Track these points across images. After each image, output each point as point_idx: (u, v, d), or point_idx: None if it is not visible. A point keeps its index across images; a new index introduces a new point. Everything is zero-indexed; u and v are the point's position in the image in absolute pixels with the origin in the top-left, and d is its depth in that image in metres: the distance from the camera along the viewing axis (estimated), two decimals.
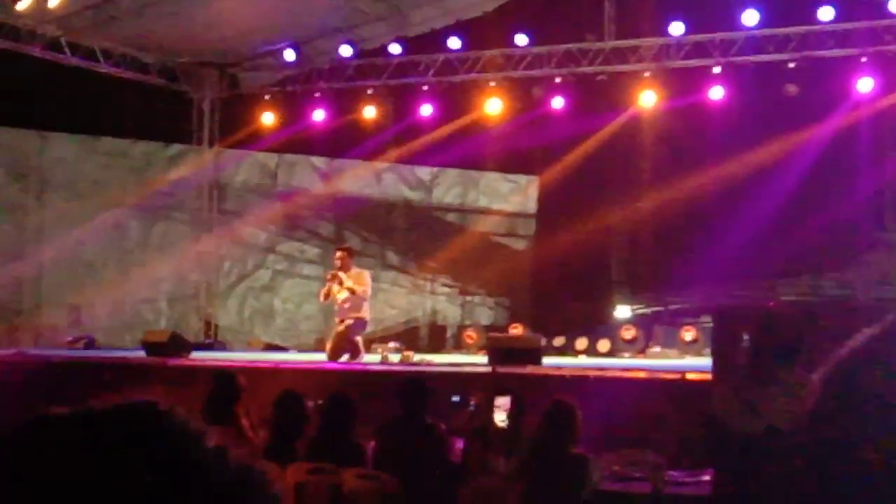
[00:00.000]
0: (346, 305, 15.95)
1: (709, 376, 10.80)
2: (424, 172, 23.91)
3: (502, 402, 9.06)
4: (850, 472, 1.19)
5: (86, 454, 0.95)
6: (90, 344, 19.70)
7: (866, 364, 1.25)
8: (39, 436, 0.98)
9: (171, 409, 1.01)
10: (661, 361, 17.18)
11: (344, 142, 21.94)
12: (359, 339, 16.14)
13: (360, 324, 16.07)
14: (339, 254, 16.39)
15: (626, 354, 19.13)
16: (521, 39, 19.90)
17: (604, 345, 19.70)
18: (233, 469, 0.99)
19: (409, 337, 21.44)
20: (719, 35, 19.03)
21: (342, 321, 15.94)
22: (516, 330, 19.31)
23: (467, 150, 21.86)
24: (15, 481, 0.94)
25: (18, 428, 0.99)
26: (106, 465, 0.94)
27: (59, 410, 1.01)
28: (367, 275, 16.29)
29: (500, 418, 9.08)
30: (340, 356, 15.74)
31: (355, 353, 15.87)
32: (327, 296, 16.30)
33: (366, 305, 16.11)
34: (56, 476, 0.94)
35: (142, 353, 16.33)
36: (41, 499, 0.93)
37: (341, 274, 15.95)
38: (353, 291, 15.81)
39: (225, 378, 9.80)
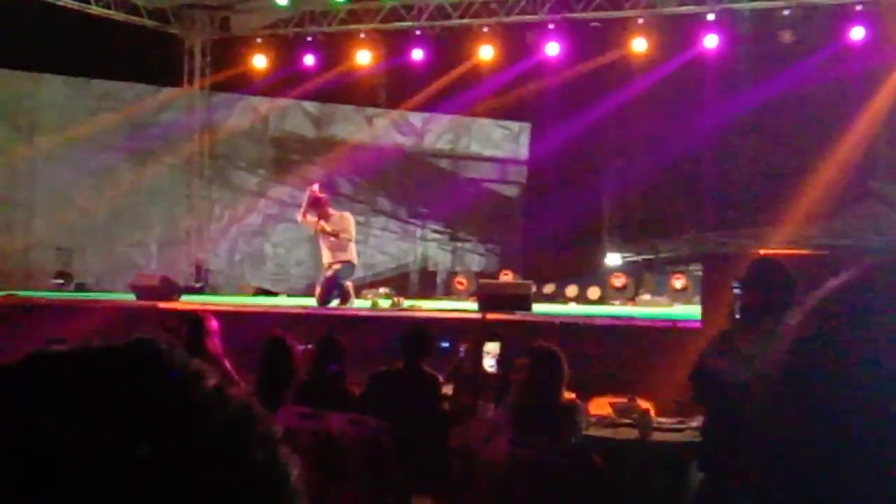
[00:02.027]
0: (333, 250, 15.90)
1: (698, 324, 10.86)
2: (416, 118, 23.86)
3: (492, 349, 9.08)
4: (817, 422, 1.18)
5: (85, 392, 0.95)
6: (81, 287, 19.70)
7: (838, 312, 1.24)
8: (37, 372, 0.98)
9: (172, 347, 1.01)
10: (651, 309, 17.21)
11: (336, 86, 21.85)
12: (348, 283, 16.11)
13: (349, 267, 16.01)
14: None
15: (617, 302, 19.18)
16: None
17: (594, 292, 19.73)
18: (232, 408, 1.00)
19: (399, 283, 21.47)
20: None
21: (330, 266, 15.90)
22: (507, 277, 19.34)
23: (459, 96, 21.79)
24: (12, 418, 0.94)
25: (16, 363, 0.99)
26: (105, 403, 0.94)
27: (58, 347, 1.00)
28: (348, 217, 16.16)
29: (490, 364, 9.09)
30: (329, 301, 15.72)
31: (345, 297, 15.85)
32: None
33: (352, 248, 16.03)
34: (54, 413, 0.93)
35: (132, 297, 16.33)
36: (38, 435, 0.93)
37: (322, 222, 15.86)
38: (335, 235, 15.75)
39: (193, 320, 9.80)
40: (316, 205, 15.95)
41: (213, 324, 9.57)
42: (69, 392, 0.95)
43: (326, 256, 15.95)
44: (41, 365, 0.99)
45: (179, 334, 9.42)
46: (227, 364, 9.35)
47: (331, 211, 16.00)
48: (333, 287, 15.78)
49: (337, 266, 15.80)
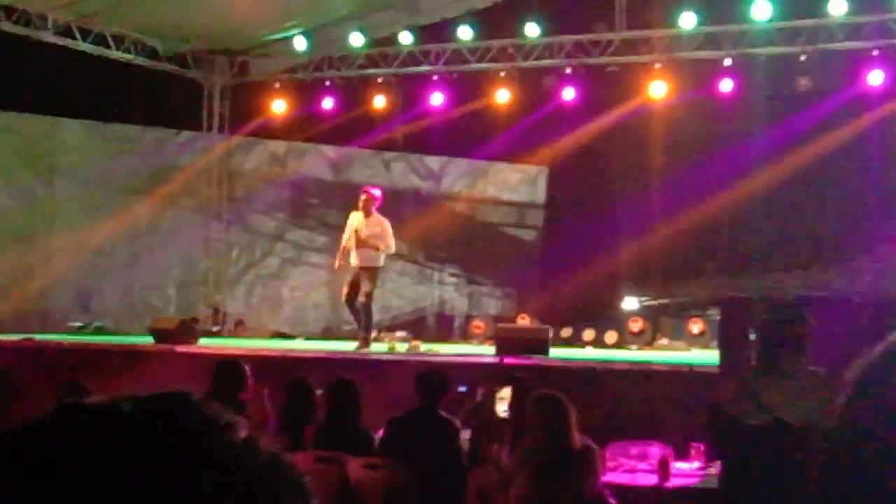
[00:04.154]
0: (362, 253, 15.64)
1: (716, 369, 10.83)
2: (434, 162, 23.91)
3: (505, 394, 9.05)
4: (877, 475, 1.17)
5: (118, 446, 0.96)
6: (99, 330, 19.73)
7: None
8: (71, 426, 1.00)
9: (204, 400, 1.03)
10: (668, 353, 17.16)
11: (353, 130, 21.93)
12: (374, 332, 16.03)
13: (374, 272, 15.78)
14: (363, 196, 15.89)
15: (634, 346, 19.11)
16: (531, 30, 19.87)
17: (611, 336, 19.69)
18: (261, 459, 1.01)
19: (416, 327, 21.43)
20: (730, 27, 19.00)
21: (357, 266, 15.62)
22: (524, 321, 19.31)
23: (477, 140, 21.85)
24: (45, 473, 0.95)
25: (49, 416, 1.01)
26: (139, 457, 0.96)
27: (90, 400, 1.02)
28: (386, 224, 15.88)
29: (503, 409, 9.07)
30: (354, 301, 15.51)
31: (363, 343, 15.59)
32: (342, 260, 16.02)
33: (381, 256, 15.80)
34: (88, 468, 0.95)
35: (150, 340, 16.35)
36: (72, 491, 0.94)
37: (358, 214, 15.62)
38: (376, 248, 15.54)
39: (229, 367, 9.77)
40: (367, 201, 15.74)
41: (247, 371, 9.54)
42: (101, 447, 0.96)
43: (354, 259, 15.69)
44: (74, 418, 1.00)
45: (200, 379, 9.42)
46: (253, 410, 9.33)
47: (373, 210, 15.84)
48: (358, 287, 15.55)
49: (363, 267, 15.55)
